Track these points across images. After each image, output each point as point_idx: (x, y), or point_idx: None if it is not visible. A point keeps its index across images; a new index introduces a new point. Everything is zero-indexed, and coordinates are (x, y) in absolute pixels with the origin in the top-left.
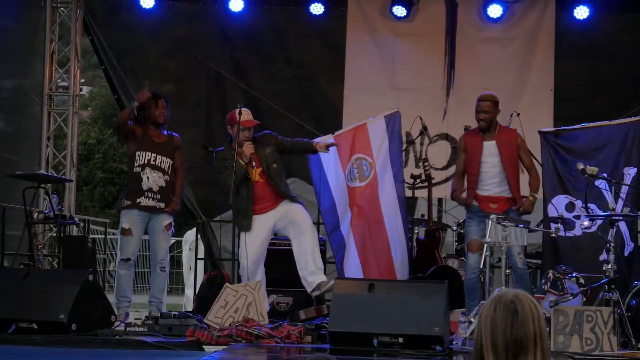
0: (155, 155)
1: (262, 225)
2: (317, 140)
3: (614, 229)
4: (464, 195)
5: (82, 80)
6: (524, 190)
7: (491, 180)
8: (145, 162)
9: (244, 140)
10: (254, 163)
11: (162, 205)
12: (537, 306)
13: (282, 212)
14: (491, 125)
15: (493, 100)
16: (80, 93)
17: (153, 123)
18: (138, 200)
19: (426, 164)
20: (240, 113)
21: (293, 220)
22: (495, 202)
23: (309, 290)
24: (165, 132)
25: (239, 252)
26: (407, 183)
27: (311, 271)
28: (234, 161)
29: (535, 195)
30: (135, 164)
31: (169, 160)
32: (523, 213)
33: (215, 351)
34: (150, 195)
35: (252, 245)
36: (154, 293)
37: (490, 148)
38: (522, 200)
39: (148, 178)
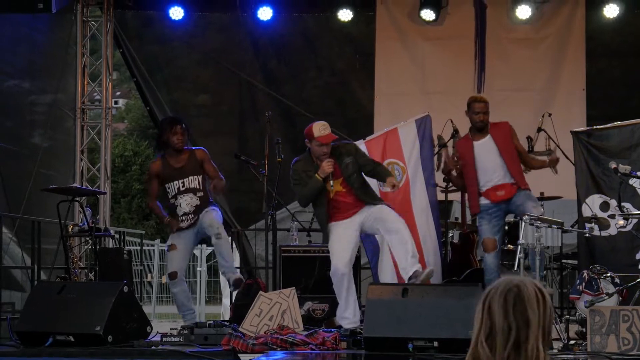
0: (181, 180)
1: (348, 227)
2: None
3: None
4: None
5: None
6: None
7: (494, 174)
8: (176, 191)
9: (323, 155)
10: (331, 180)
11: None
12: (543, 292)
13: (367, 213)
14: (485, 125)
15: (487, 101)
16: (115, 106)
17: (173, 150)
18: (180, 226)
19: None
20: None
21: (379, 217)
22: (500, 189)
23: (405, 279)
24: (186, 148)
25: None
26: (440, 187)
27: (409, 262)
28: (313, 172)
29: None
30: (169, 197)
31: (196, 177)
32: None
33: (250, 359)
34: (187, 218)
35: (341, 249)
36: (221, 262)
37: (483, 145)
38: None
39: (181, 204)
